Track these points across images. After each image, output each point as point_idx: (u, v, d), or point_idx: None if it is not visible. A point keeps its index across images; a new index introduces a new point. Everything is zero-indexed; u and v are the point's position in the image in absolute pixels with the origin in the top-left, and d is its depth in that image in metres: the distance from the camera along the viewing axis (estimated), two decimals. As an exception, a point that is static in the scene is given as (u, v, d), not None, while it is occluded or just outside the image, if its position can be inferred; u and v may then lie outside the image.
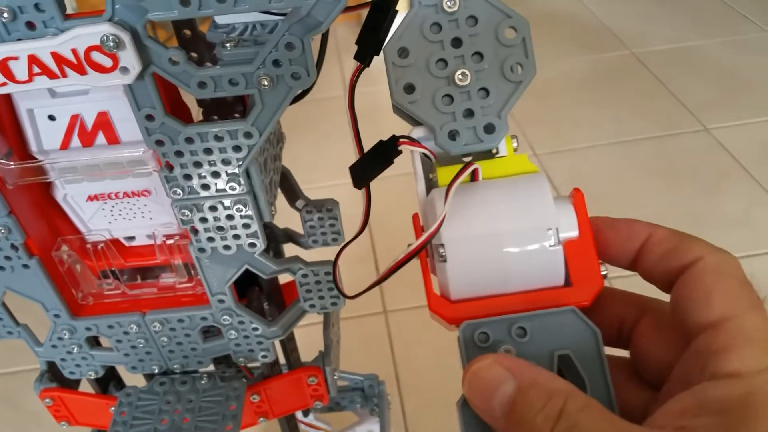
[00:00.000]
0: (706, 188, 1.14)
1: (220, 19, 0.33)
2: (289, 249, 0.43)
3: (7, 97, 0.31)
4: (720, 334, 0.18)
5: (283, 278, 0.45)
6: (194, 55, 0.35)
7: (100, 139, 0.32)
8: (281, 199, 0.40)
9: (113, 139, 0.32)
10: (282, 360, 0.48)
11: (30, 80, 0.26)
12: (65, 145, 0.32)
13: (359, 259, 1.06)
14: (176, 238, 0.35)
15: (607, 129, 1.29)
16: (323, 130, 1.33)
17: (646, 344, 0.23)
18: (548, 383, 0.19)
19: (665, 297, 0.23)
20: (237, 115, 0.34)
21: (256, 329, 0.37)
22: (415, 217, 0.26)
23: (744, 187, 1.13)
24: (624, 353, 0.25)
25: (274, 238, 0.43)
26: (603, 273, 0.23)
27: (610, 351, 0.23)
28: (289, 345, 0.48)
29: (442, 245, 0.24)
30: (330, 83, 1.47)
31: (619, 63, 1.50)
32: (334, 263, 0.29)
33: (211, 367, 0.41)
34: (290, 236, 0.43)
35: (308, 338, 0.51)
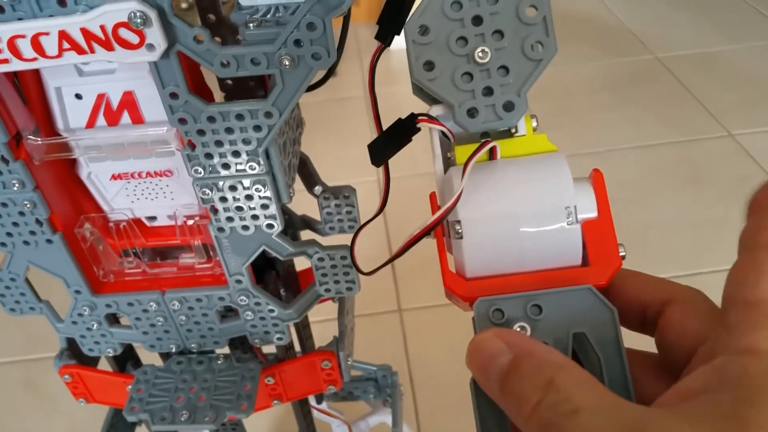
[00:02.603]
0: (728, 194, 1.12)
1: (244, 1, 0.33)
2: (306, 236, 0.43)
3: (37, 76, 0.31)
4: (754, 310, 0.18)
5: (300, 266, 0.46)
6: (218, 39, 0.35)
7: (125, 118, 0.32)
8: (299, 187, 0.40)
9: (138, 119, 0.32)
10: (297, 348, 0.49)
11: (59, 56, 0.26)
12: (91, 124, 0.33)
13: (376, 257, 1.06)
14: (196, 218, 0.36)
15: (627, 133, 1.28)
16: (344, 129, 1.34)
17: (674, 332, 0.22)
18: (543, 355, 0.19)
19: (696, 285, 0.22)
20: (258, 99, 0.35)
21: (272, 311, 0.37)
22: (432, 195, 0.27)
23: (768, 193, 1.11)
24: (648, 342, 0.24)
25: (292, 224, 0.43)
26: (622, 254, 0.23)
27: (634, 340, 0.23)
28: (304, 332, 0.49)
29: (459, 222, 0.24)
30: (351, 84, 1.48)
31: (642, 67, 1.49)
32: (353, 241, 0.29)
33: (227, 350, 0.42)
34: (307, 223, 0.43)
35: (322, 334, 0.51)
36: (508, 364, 0.19)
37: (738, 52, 1.50)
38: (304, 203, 0.43)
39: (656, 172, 1.19)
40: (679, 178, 1.16)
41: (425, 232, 0.24)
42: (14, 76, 0.30)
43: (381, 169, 0.28)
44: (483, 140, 0.25)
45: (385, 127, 0.26)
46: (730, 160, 1.20)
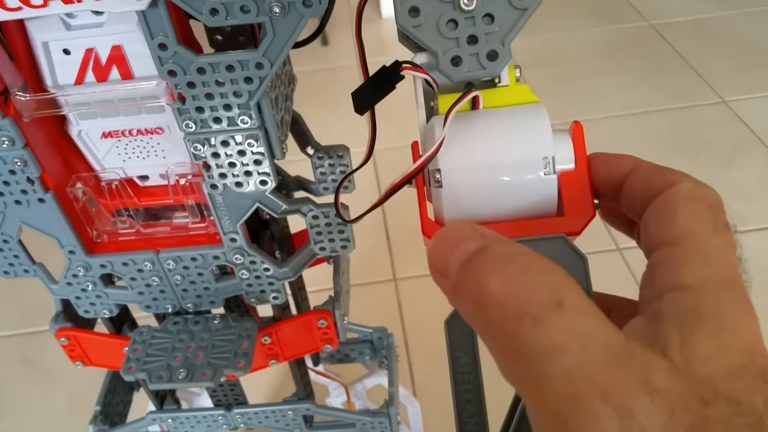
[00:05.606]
0: (721, 161, 1.12)
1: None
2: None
3: (23, 30, 0.31)
4: (676, 249, 0.18)
5: (294, 228, 0.46)
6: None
7: (114, 74, 0.32)
8: (297, 157, 0.40)
9: (127, 74, 0.32)
10: (294, 312, 0.49)
11: (45, 5, 0.26)
12: (80, 80, 0.32)
13: (372, 227, 1.07)
14: (189, 177, 0.36)
15: (622, 100, 1.28)
16: (335, 99, 1.32)
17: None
18: (517, 248, 0.18)
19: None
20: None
21: (267, 270, 0.37)
22: (414, 145, 0.27)
23: (761, 160, 1.12)
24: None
25: (285, 185, 0.43)
26: (596, 202, 0.23)
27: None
28: (300, 294, 0.49)
29: (438, 170, 0.24)
30: (342, 52, 1.46)
31: (637, 34, 1.48)
32: (337, 189, 0.29)
33: (222, 311, 0.42)
34: (301, 183, 0.43)
35: (318, 302, 0.52)
36: (476, 248, 0.18)
37: (731, 18, 1.49)
38: (297, 164, 0.43)
39: (650, 139, 1.19)
40: (673, 145, 1.17)
41: (407, 180, 0.24)
42: (-1, 30, 0.30)
43: (367, 117, 0.27)
44: (466, 90, 0.25)
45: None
46: (724, 126, 1.20)
